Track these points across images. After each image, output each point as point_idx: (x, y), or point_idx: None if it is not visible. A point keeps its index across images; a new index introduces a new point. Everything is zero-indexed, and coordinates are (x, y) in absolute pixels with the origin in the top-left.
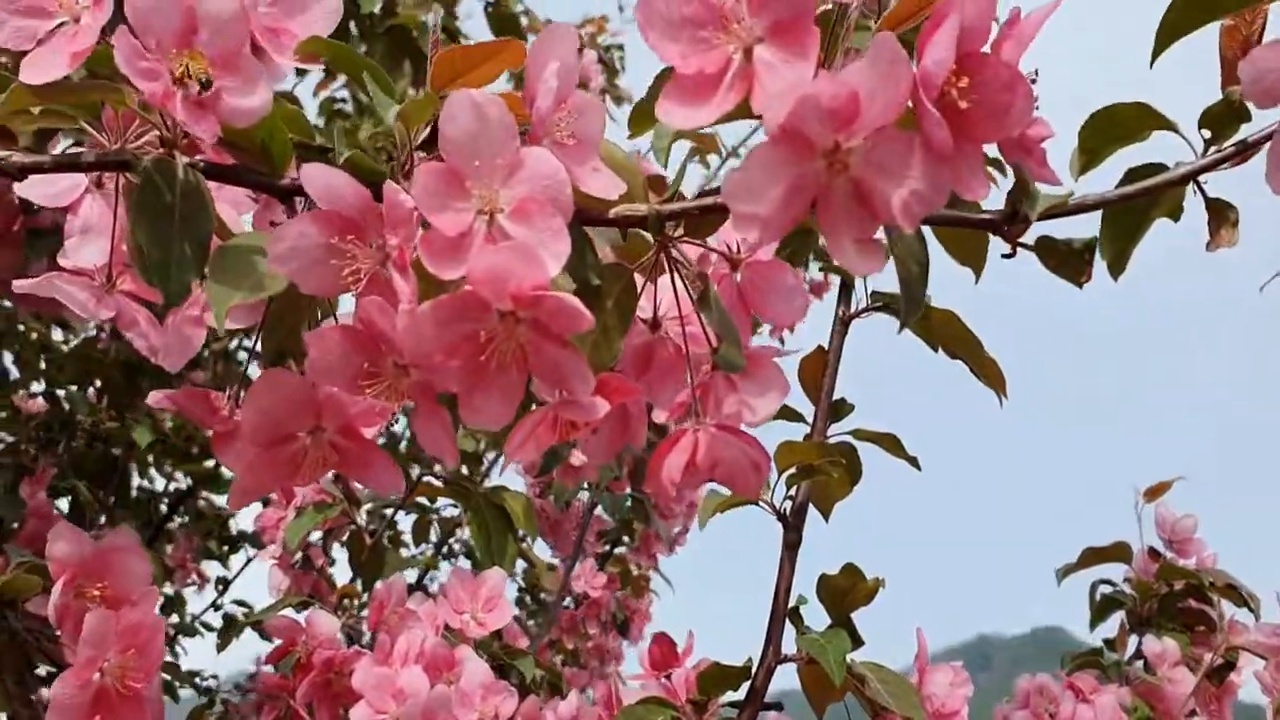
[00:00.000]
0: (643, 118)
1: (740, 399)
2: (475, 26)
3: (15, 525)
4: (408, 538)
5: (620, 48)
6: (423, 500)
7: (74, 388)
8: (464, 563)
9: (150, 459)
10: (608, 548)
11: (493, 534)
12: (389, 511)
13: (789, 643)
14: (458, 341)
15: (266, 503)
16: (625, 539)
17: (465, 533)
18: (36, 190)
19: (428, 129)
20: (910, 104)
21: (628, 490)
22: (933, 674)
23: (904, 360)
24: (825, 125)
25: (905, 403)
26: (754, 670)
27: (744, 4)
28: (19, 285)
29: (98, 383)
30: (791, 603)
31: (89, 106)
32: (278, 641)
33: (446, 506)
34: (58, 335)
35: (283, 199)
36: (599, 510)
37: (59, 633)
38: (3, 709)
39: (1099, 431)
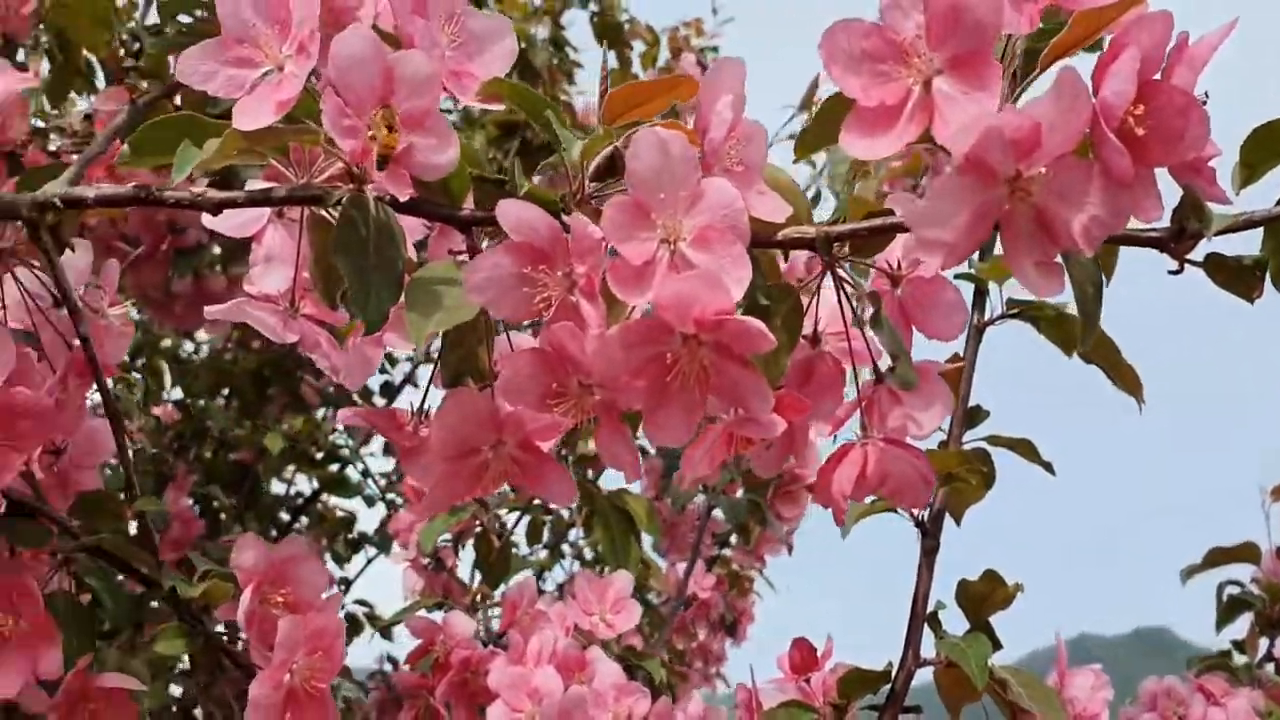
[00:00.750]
0: (807, 142)
1: (905, 412)
2: (579, 34)
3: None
4: (515, 538)
5: (715, 49)
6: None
7: (204, 398)
8: (573, 564)
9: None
10: (718, 549)
11: (616, 535)
12: (512, 516)
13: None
14: (643, 363)
15: (394, 507)
16: (730, 540)
17: (574, 533)
18: (225, 222)
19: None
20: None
21: (740, 492)
22: (1073, 678)
23: (1007, 360)
24: (1008, 155)
25: (1020, 403)
26: (894, 674)
27: (923, 38)
28: (211, 311)
29: (225, 391)
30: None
31: (281, 146)
32: (417, 641)
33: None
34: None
35: (462, 229)
36: (714, 513)
37: (246, 636)
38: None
39: (1219, 430)
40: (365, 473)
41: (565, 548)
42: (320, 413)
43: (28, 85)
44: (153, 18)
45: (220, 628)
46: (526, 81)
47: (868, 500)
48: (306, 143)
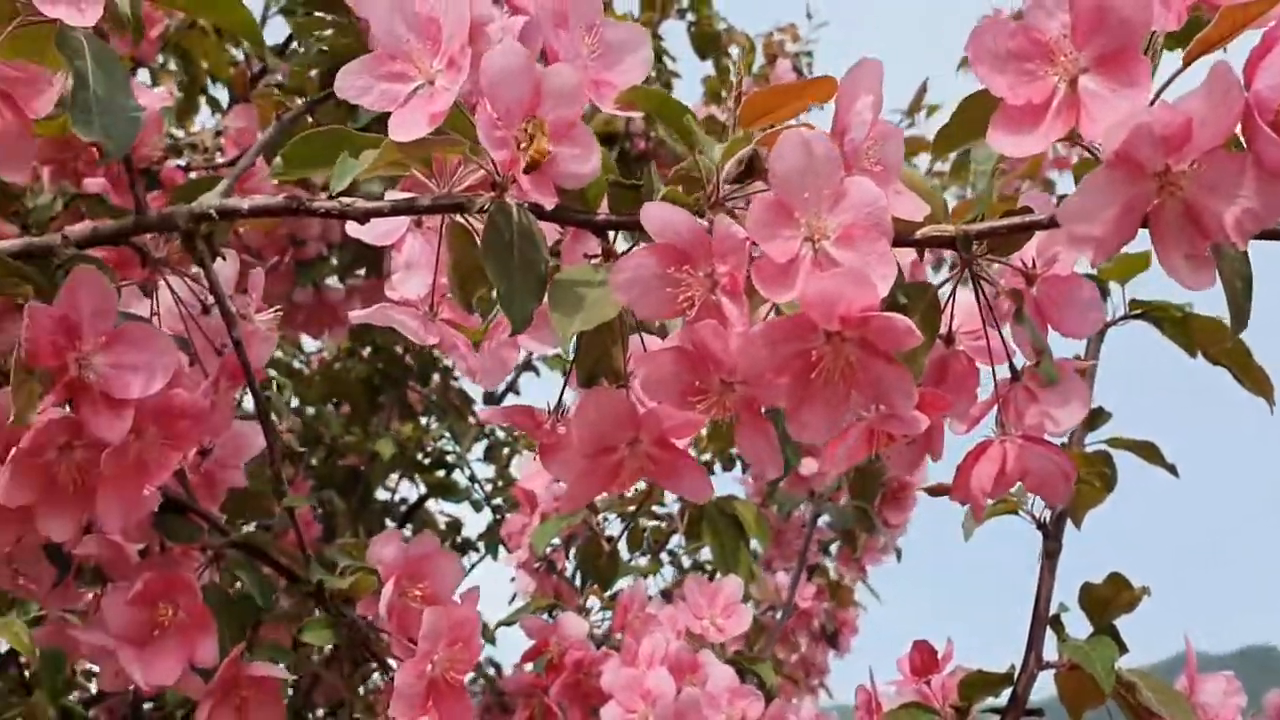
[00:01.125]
0: (946, 140)
1: (1042, 410)
2: (676, 44)
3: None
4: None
5: (810, 54)
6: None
7: (318, 405)
8: (672, 573)
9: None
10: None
11: (725, 541)
12: (618, 521)
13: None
14: (787, 360)
15: (499, 511)
16: (831, 549)
17: (674, 540)
18: (368, 231)
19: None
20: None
21: (844, 500)
22: (1203, 683)
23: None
24: (1157, 150)
25: (1137, 406)
26: (1016, 676)
27: (1069, 37)
28: (356, 316)
29: (334, 400)
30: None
31: (425, 157)
32: (526, 643)
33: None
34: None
35: (598, 233)
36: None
37: (387, 628)
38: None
39: None
40: (472, 478)
41: (664, 556)
42: (423, 420)
43: (164, 104)
44: (270, 39)
45: None
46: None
47: (990, 503)
48: (453, 153)
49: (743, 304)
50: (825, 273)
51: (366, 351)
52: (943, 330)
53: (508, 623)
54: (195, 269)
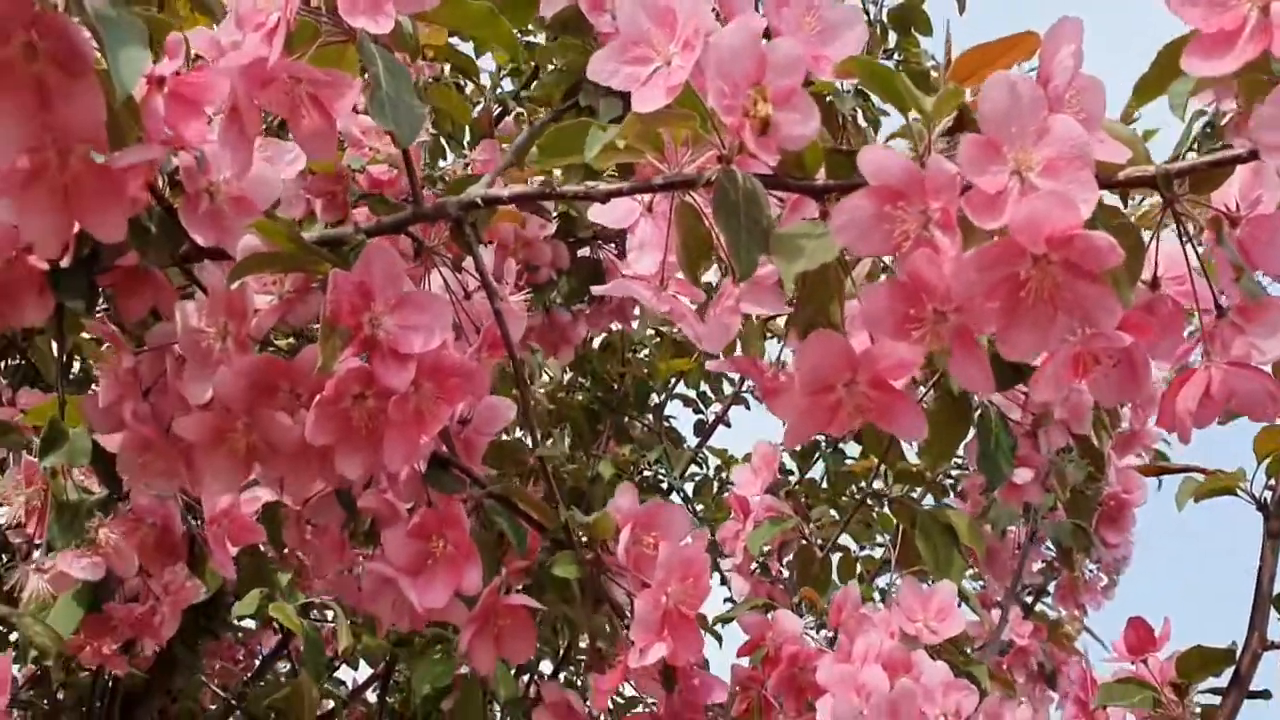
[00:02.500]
0: (1144, 89)
1: (1248, 341)
2: None
3: None
4: None
5: None
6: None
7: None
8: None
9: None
10: (1030, 599)
11: (939, 546)
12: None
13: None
14: (997, 284)
15: (712, 530)
16: (1049, 590)
17: (884, 580)
18: (608, 214)
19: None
20: None
21: (1064, 518)
22: None
23: None
24: None
25: None
26: (1238, 655)
27: None
28: (598, 289)
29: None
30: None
31: (655, 139)
32: (748, 637)
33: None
34: None
35: (816, 197)
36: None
37: (625, 566)
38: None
39: None
40: (686, 499)
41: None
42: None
43: (424, 140)
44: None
45: None
46: (830, 128)
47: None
48: (686, 127)
49: (955, 235)
50: (1031, 196)
51: (587, 382)
52: (1149, 277)
53: (725, 619)
54: (459, 259)
